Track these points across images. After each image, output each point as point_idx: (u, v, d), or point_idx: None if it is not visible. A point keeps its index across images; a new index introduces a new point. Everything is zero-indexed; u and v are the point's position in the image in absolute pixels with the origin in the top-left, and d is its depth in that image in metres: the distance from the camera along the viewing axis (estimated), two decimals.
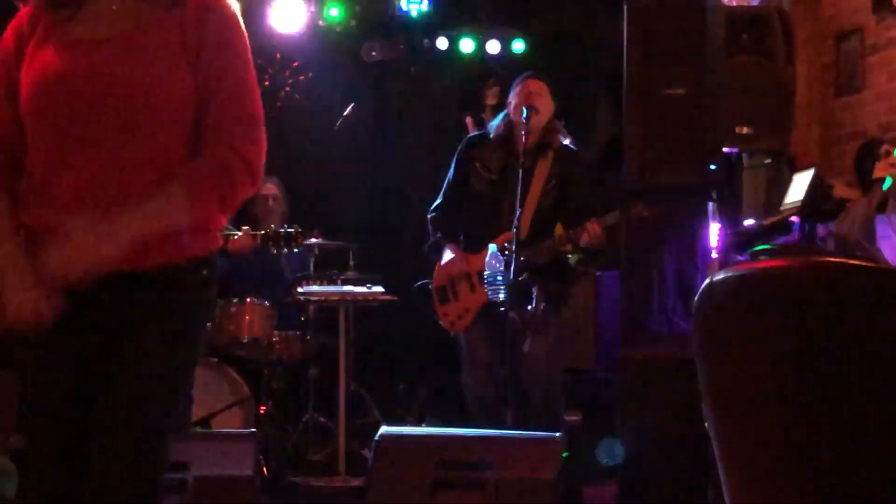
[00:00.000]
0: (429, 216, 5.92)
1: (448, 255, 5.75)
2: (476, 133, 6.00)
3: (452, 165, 5.90)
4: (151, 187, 2.41)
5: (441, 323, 5.84)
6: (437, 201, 5.91)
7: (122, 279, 2.41)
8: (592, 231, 5.44)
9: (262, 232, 5.52)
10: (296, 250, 5.69)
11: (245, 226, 6.14)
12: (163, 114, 2.45)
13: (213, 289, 2.65)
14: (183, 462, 4.41)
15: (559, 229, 5.54)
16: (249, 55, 2.69)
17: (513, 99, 5.71)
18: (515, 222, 5.43)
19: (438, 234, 5.84)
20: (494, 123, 5.81)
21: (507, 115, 5.74)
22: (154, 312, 2.47)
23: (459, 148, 5.91)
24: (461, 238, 5.79)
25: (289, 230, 5.57)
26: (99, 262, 2.34)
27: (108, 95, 2.41)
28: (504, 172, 5.65)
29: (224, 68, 2.57)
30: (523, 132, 5.50)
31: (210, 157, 2.51)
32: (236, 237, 5.46)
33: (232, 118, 2.56)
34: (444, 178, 5.94)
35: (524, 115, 5.53)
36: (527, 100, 5.60)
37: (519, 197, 5.39)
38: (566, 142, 5.75)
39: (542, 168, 5.66)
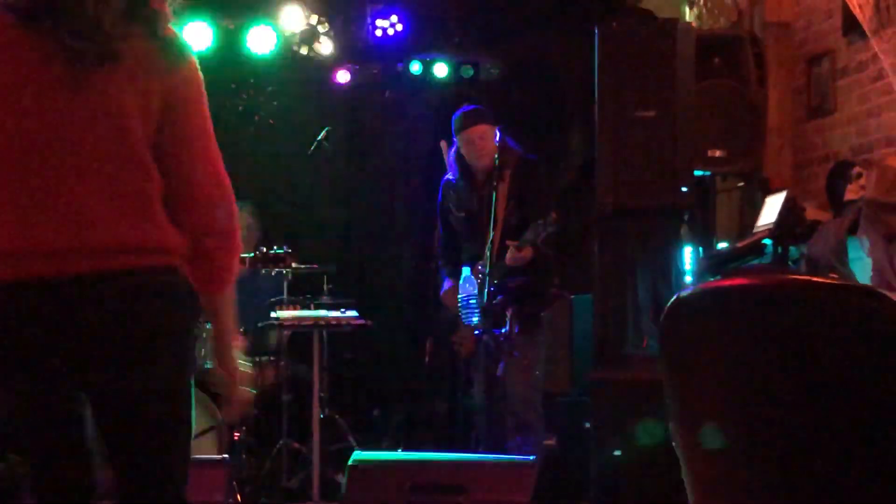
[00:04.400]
0: (438, 262, 6.18)
1: (445, 286, 5.95)
2: (445, 177, 6.10)
3: (437, 214, 6.13)
4: None
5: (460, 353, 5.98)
6: (439, 243, 6.17)
7: None
8: (509, 253, 5.54)
9: (251, 255, 5.52)
10: (284, 271, 5.68)
11: None
12: None
13: None
14: None
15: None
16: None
17: (461, 145, 5.84)
18: (488, 246, 5.48)
19: (441, 270, 6.08)
20: (451, 165, 5.94)
21: (458, 155, 5.86)
22: None
23: (440, 191, 6.11)
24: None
25: (277, 252, 5.59)
26: None
27: None
28: (469, 208, 5.80)
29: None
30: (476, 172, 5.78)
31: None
32: None
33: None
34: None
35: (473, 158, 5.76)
36: (474, 150, 5.76)
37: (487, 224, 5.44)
38: (517, 148, 5.84)
39: (502, 191, 5.73)
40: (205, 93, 2.58)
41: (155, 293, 2.48)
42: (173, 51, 2.53)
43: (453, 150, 5.91)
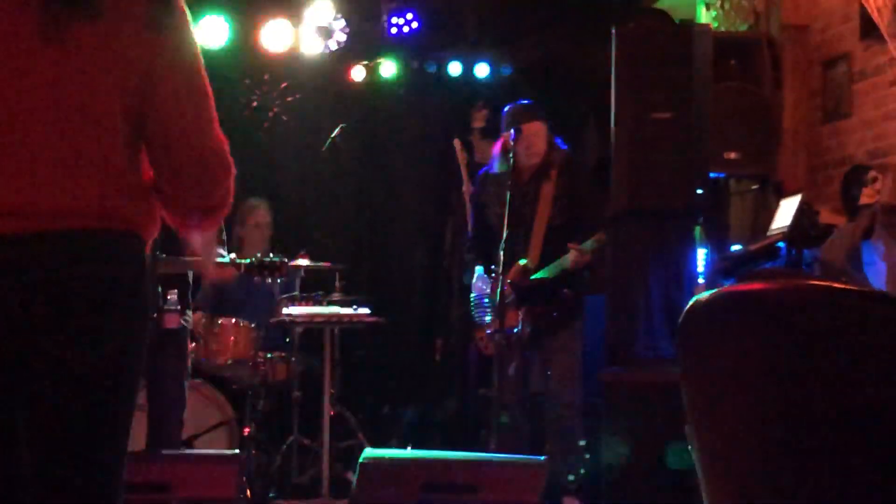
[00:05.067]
0: (466, 256, 6.18)
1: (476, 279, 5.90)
2: (484, 169, 6.08)
3: (472, 206, 6.13)
4: None
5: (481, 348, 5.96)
6: (469, 237, 6.18)
7: None
8: (574, 256, 5.52)
9: (248, 261, 5.49)
10: (279, 280, 5.66)
11: (230, 246, 6.15)
12: None
13: None
14: (165, 483, 4.38)
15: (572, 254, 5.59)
16: None
17: (511, 140, 5.75)
18: (502, 245, 5.47)
19: (472, 265, 6.03)
20: (496, 157, 5.86)
21: (506, 148, 5.78)
22: None
23: (477, 185, 6.11)
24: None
25: (273, 259, 5.55)
26: None
27: None
28: (511, 204, 5.71)
29: None
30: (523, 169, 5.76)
31: None
32: (220, 264, 5.43)
33: None
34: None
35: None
36: (527, 146, 5.71)
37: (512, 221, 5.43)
38: (564, 148, 5.85)
39: (547, 190, 5.72)
40: (199, 53, 2.37)
41: (104, 259, 2.26)
42: (162, 6, 2.33)
43: (499, 143, 5.85)
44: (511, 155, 5.67)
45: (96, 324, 2.25)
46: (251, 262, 5.47)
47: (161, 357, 5.29)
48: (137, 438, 5.49)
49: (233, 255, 5.47)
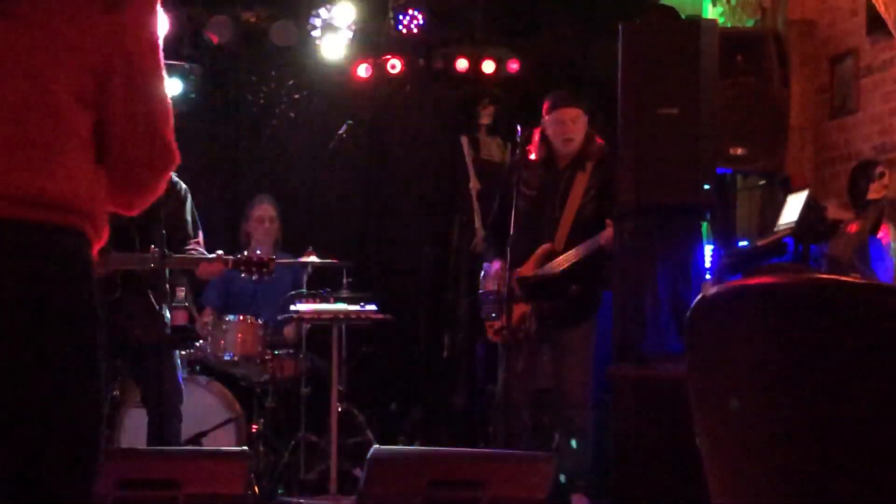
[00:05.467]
0: (482, 248, 6.20)
1: (492, 268, 5.86)
2: (517, 155, 6.08)
3: (498, 192, 6.09)
4: None
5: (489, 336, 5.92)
6: (490, 225, 6.16)
7: None
8: (610, 232, 5.52)
9: (234, 257, 5.52)
10: (265, 278, 5.68)
11: (238, 242, 6.17)
12: None
13: None
14: (174, 480, 4.39)
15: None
16: None
17: (549, 125, 5.76)
18: (509, 242, 5.47)
19: (489, 254, 6.00)
20: (533, 144, 5.85)
21: (545, 136, 5.79)
22: None
23: (505, 173, 6.13)
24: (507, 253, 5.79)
25: (261, 258, 5.58)
26: None
27: None
28: (543, 189, 5.73)
29: None
30: (560, 157, 5.78)
31: None
32: (207, 261, 5.44)
33: None
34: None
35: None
36: (563, 131, 5.70)
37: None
38: (602, 142, 5.85)
39: (581, 179, 5.74)
40: (158, 40, 2.21)
41: (45, 252, 2.06)
42: None
43: (538, 129, 5.85)
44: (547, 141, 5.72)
45: (25, 327, 2.03)
46: (238, 259, 5.50)
47: (165, 353, 5.32)
48: (139, 436, 5.52)
49: (220, 252, 5.49)
